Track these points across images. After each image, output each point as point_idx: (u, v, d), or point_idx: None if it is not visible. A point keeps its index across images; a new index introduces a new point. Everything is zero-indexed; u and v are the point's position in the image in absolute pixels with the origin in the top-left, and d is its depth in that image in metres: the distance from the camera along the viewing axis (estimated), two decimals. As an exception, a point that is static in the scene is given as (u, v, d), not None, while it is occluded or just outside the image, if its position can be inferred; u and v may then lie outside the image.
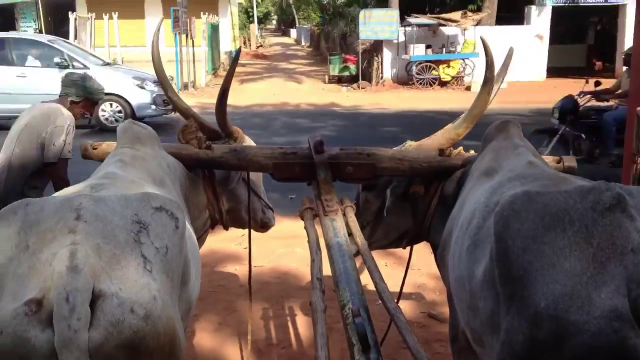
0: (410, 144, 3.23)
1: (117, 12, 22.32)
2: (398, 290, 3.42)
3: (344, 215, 2.91)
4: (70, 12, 20.58)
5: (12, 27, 29.01)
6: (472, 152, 2.97)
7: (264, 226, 3.62)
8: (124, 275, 1.68)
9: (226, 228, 3.38)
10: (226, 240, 5.93)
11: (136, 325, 1.62)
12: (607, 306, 1.51)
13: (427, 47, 19.99)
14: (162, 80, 3.31)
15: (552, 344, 1.56)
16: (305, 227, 2.89)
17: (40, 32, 25.81)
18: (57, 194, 2.07)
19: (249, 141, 3.47)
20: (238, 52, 3.65)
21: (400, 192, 3.08)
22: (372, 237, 3.18)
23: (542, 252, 1.65)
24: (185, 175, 2.88)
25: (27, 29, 29.11)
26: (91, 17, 21.53)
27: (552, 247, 1.65)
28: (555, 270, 1.61)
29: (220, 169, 3.16)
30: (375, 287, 2.40)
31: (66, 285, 1.55)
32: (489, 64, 2.86)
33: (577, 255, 1.61)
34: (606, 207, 1.64)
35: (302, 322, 4.37)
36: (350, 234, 2.79)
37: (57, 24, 27.99)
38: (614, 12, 21.69)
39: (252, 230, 3.49)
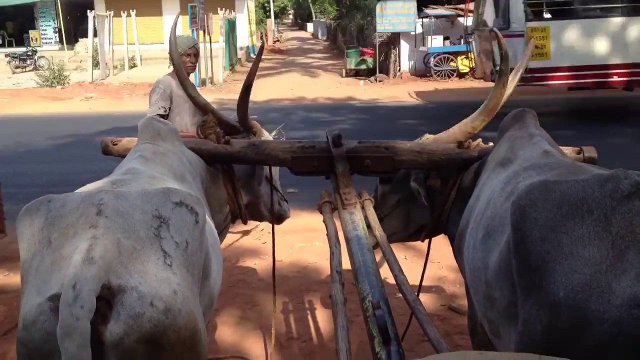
0: (427, 137, 3.22)
1: (134, 10, 22.50)
2: (418, 283, 3.41)
3: (363, 208, 2.91)
4: (89, 11, 20.75)
5: (31, 26, 29.36)
6: (491, 143, 2.94)
7: (279, 218, 3.64)
8: (144, 270, 1.70)
9: (245, 222, 3.39)
10: (246, 235, 5.97)
11: (156, 319, 1.63)
12: (627, 294, 1.50)
13: (445, 38, 19.84)
14: (180, 77, 3.33)
15: (572, 333, 1.55)
16: (324, 221, 2.90)
17: (60, 31, 26.08)
18: (79, 190, 2.09)
19: (267, 135, 3.48)
20: (261, 47, 3.68)
21: (420, 184, 3.07)
22: (390, 229, 3.17)
23: (561, 242, 1.64)
24: (205, 170, 2.90)
25: (47, 28, 29.42)
26: (109, 15, 21.70)
27: (570, 236, 1.63)
28: (574, 260, 1.60)
29: (239, 164, 3.18)
30: (395, 279, 2.40)
31: (76, 274, 1.56)
32: (504, 57, 2.83)
33: (596, 244, 1.59)
34: (625, 195, 1.62)
35: (322, 316, 4.38)
36: (369, 226, 2.79)
37: (76, 23, 28.25)
38: None
39: (272, 225, 3.51)
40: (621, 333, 1.48)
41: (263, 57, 30.92)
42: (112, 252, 1.66)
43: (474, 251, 2.15)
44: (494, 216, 2.05)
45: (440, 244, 5.18)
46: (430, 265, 5.07)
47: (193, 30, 18.19)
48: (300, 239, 5.83)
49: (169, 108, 4.83)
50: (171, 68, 4.56)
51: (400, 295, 2.37)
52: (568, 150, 2.91)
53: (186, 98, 4.36)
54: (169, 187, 2.06)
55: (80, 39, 27.39)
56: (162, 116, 4.67)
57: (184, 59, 4.64)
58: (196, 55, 4.80)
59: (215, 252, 2.25)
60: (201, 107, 3.27)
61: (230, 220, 3.25)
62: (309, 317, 4.41)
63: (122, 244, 1.70)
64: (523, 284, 1.71)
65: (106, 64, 22.06)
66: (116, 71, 22.33)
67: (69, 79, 19.89)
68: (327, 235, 2.75)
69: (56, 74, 19.78)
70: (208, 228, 2.16)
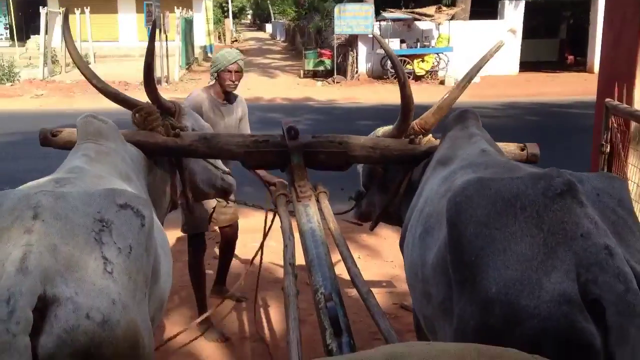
0: (382, 130, 3.23)
1: (89, 7, 22.04)
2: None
3: (318, 201, 2.91)
4: (41, 7, 20.24)
5: (-19, 21, 28.52)
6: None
7: (225, 192, 3.56)
8: (81, 278, 1.62)
9: (191, 210, 3.34)
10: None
11: (92, 332, 1.56)
12: (556, 291, 1.53)
13: (402, 41, 20.05)
14: (82, 69, 3.12)
15: (503, 328, 1.58)
16: (278, 213, 2.89)
17: (11, 27, 25.39)
18: (20, 187, 2.01)
19: (192, 115, 3.36)
20: (154, 24, 3.52)
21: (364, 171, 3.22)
22: (363, 207, 3.37)
23: (494, 238, 1.66)
24: (146, 165, 2.83)
25: (-3, 24, 28.65)
26: (62, 11, 21.22)
27: (503, 232, 1.66)
28: (506, 256, 1.62)
29: (189, 157, 3.12)
30: (348, 271, 2.41)
31: (10, 287, 1.48)
32: (393, 62, 2.96)
33: (528, 241, 1.62)
34: (557, 193, 1.66)
35: (275, 315, 4.37)
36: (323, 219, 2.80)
37: (28, 19, 27.53)
38: (587, 6, 21.93)
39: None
40: (550, 328, 1.51)
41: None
42: (48, 260, 1.57)
43: (412, 248, 2.18)
44: (432, 213, 2.08)
45: (394, 243, 5.18)
46: (383, 264, 5.13)
47: (148, 28, 17.98)
48: (254, 239, 5.76)
49: None
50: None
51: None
52: (512, 146, 2.99)
53: (220, 118, 4.11)
54: (114, 188, 1.99)
55: (32, 36, 26.75)
56: None
57: (223, 76, 4.15)
58: (238, 72, 4.17)
59: (165, 253, 2.19)
60: (113, 96, 3.05)
61: (168, 211, 3.18)
62: (262, 316, 4.39)
63: (58, 251, 1.62)
64: (457, 279, 1.73)
65: (57, 61, 21.57)
66: (68, 69, 21.86)
67: (19, 76, 19.36)
68: (281, 227, 2.74)
69: (6, 71, 19.23)
70: (157, 228, 2.10)
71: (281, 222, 2.78)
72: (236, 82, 4.19)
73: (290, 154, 2.98)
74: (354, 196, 3.52)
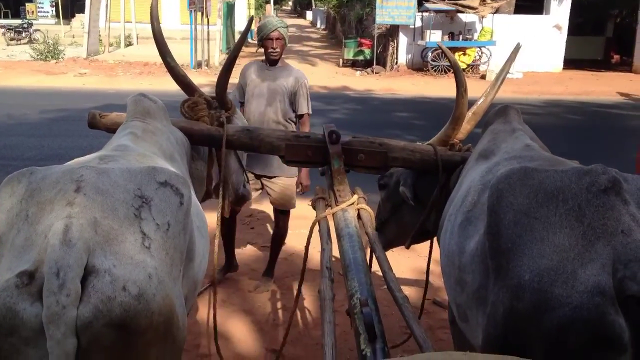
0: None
1: (133, -12, 22.28)
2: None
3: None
4: (86, -14, 20.54)
5: (28, -1, 29.06)
6: None
7: (242, 199, 3.60)
8: (120, 252, 1.65)
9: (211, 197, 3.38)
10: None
11: (127, 304, 1.58)
12: (591, 282, 1.53)
13: (444, 33, 19.80)
14: (160, 45, 3.10)
15: (532, 315, 1.58)
16: (317, 217, 2.90)
17: (56, 5, 25.83)
18: (66, 163, 2.06)
19: (240, 114, 3.48)
20: (250, 20, 3.54)
21: (408, 187, 3.11)
22: (391, 233, 3.28)
23: (532, 227, 1.68)
24: (190, 149, 2.88)
25: (44, 1, 29.14)
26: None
27: (543, 222, 1.67)
28: (543, 245, 1.64)
29: (231, 148, 3.15)
30: (384, 276, 2.41)
31: (58, 260, 1.52)
32: (456, 70, 2.93)
33: (567, 232, 1.63)
34: (601, 189, 1.67)
35: (308, 303, 4.37)
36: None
37: (74, -2, 27.98)
38: (635, 5, 21.36)
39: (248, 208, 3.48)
40: (581, 318, 1.52)
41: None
42: (89, 232, 1.61)
43: (451, 236, 2.18)
44: (475, 203, 2.08)
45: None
46: (416, 259, 5.09)
47: (191, 11, 18.10)
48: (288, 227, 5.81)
49: (244, 95, 4.31)
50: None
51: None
52: None
53: (263, 80, 4.17)
54: (155, 166, 2.01)
55: (77, 14, 27.18)
56: (242, 105, 4.36)
57: (265, 44, 4.16)
58: (278, 39, 4.12)
59: (202, 235, 2.21)
60: (179, 78, 3.13)
61: (202, 199, 3.21)
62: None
63: (98, 224, 1.65)
64: (493, 266, 1.74)
65: (101, 40, 21.90)
66: (111, 48, 22.16)
67: (64, 54, 19.73)
68: (319, 231, 2.75)
69: (51, 48, 19.62)
70: (195, 210, 2.11)
71: (319, 226, 2.79)
72: (277, 49, 4.16)
73: (330, 158, 2.98)
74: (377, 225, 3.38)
